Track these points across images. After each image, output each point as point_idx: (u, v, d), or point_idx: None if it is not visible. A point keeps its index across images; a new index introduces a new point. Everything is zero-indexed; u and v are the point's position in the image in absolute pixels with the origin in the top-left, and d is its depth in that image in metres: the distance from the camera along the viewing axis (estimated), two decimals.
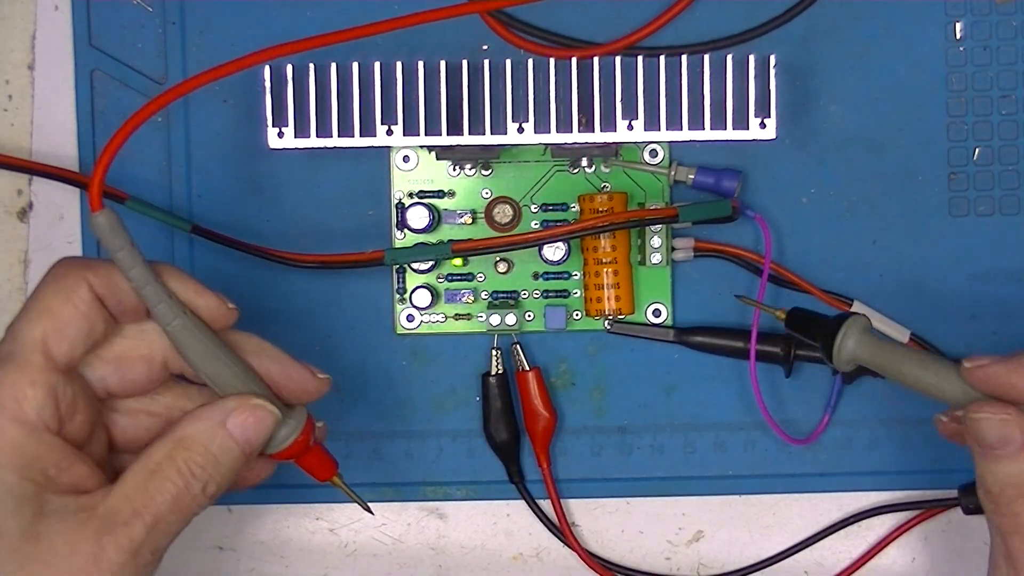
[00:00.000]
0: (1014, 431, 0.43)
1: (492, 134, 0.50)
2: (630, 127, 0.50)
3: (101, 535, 0.41)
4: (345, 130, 0.50)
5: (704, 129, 0.51)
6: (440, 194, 0.54)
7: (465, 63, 0.50)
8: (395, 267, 0.53)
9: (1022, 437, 0.43)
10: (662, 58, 0.50)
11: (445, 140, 0.51)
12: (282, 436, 0.44)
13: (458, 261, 0.53)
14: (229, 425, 0.43)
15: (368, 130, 0.50)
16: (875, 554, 0.55)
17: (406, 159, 0.54)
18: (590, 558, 0.54)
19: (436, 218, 0.53)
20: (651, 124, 0.50)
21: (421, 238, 0.53)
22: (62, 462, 0.42)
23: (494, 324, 0.53)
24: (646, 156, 0.53)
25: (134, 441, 0.45)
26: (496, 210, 0.54)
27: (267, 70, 0.50)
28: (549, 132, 0.50)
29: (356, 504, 0.48)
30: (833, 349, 0.46)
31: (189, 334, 0.43)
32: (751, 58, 0.50)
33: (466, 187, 0.54)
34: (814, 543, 0.55)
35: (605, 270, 0.52)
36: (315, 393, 0.46)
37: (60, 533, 0.41)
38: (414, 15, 0.47)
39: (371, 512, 0.49)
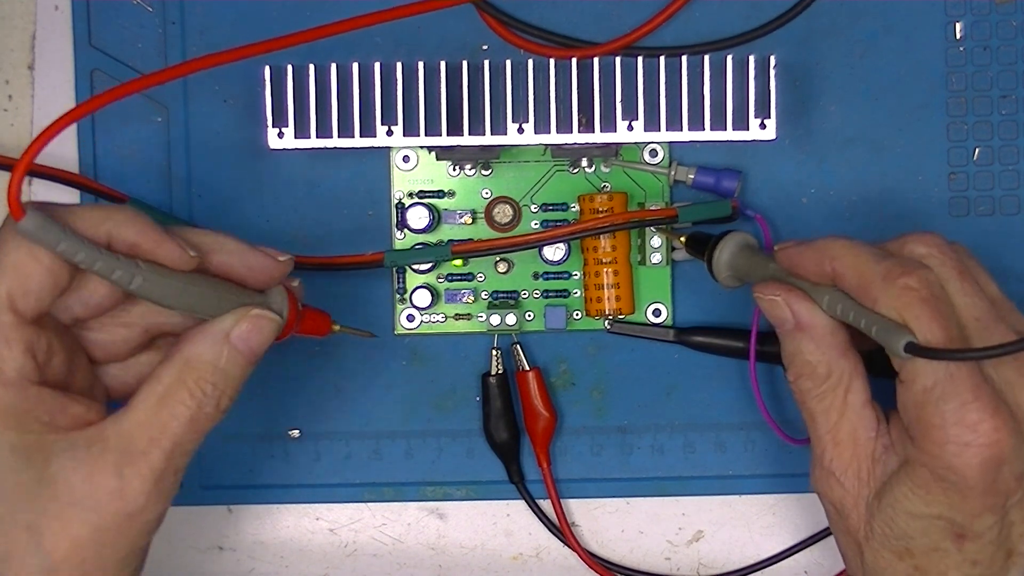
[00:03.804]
0: (784, 311, 0.45)
1: (492, 134, 0.51)
2: (630, 127, 0.50)
3: (121, 467, 0.41)
4: (345, 130, 0.50)
5: (704, 129, 0.51)
6: (440, 194, 0.54)
7: (465, 63, 0.50)
8: (394, 267, 0.54)
9: (793, 318, 0.45)
10: (662, 58, 0.50)
11: (445, 140, 0.51)
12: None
13: (458, 261, 0.53)
14: (233, 338, 0.43)
15: (368, 130, 0.50)
16: None
17: (406, 159, 0.54)
18: (590, 558, 0.54)
19: (436, 218, 0.53)
20: (651, 124, 0.51)
21: (421, 238, 0.53)
22: (54, 406, 0.41)
23: (494, 324, 0.53)
24: (646, 156, 0.53)
25: (116, 354, 0.45)
26: (496, 210, 0.54)
27: (267, 70, 0.50)
28: (549, 132, 0.50)
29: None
30: (712, 262, 0.49)
31: (152, 286, 0.41)
32: (751, 58, 0.50)
33: (466, 187, 0.54)
34: (814, 543, 0.55)
35: (605, 270, 0.52)
36: (279, 276, 0.45)
37: (75, 471, 0.41)
38: (409, 6, 0.47)
39: (375, 336, 0.49)
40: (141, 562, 0.44)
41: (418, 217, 0.53)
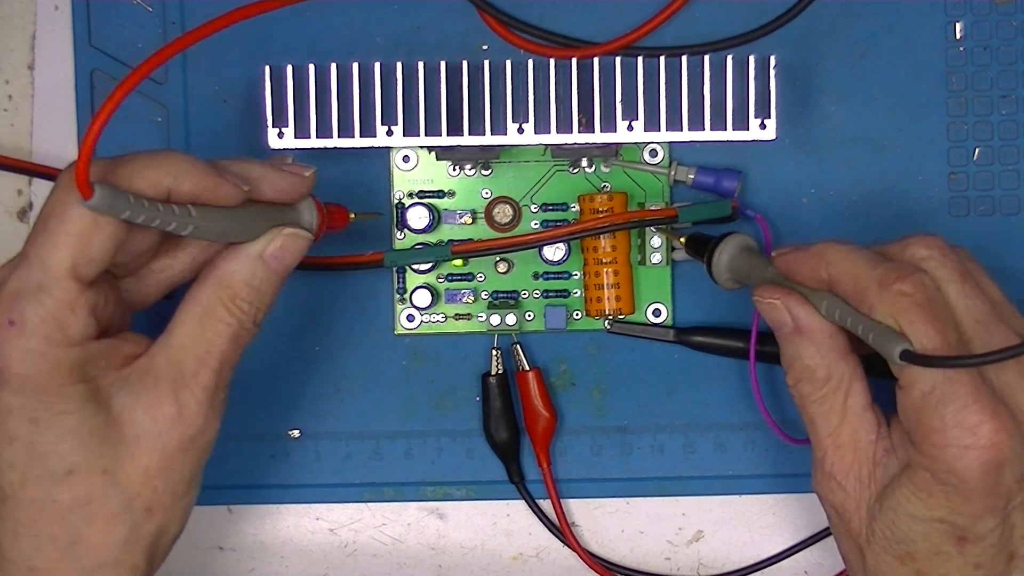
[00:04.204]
0: (783, 315, 0.46)
1: (492, 134, 0.51)
2: (630, 127, 0.50)
3: (177, 392, 0.43)
4: (345, 130, 0.50)
5: (704, 129, 0.51)
6: (440, 194, 0.54)
7: (465, 63, 0.50)
8: (394, 267, 0.54)
9: (792, 322, 0.45)
10: (662, 58, 0.50)
11: (445, 140, 0.51)
12: (306, 228, 0.46)
13: (458, 261, 0.53)
14: (267, 256, 0.44)
15: (368, 130, 0.50)
16: None
17: (406, 159, 0.54)
18: (590, 558, 0.54)
19: (436, 218, 0.53)
20: (651, 124, 0.50)
21: (421, 238, 0.53)
22: (110, 351, 0.43)
23: (494, 324, 0.53)
24: (646, 156, 0.53)
25: (132, 270, 0.46)
26: (496, 210, 0.54)
27: (267, 70, 0.50)
28: (549, 132, 0.50)
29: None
30: (712, 264, 0.49)
31: (204, 227, 0.43)
32: (751, 58, 0.50)
33: (466, 187, 0.54)
34: (814, 543, 0.55)
35: (605, 270, 0.52)
36: (307, 191, 0.46)
37: (136, 405, 0.43)
38: None
39: (381, 214, 0.52)
40: (200, 482, 0.45)
41: (418, 217, 0.53)
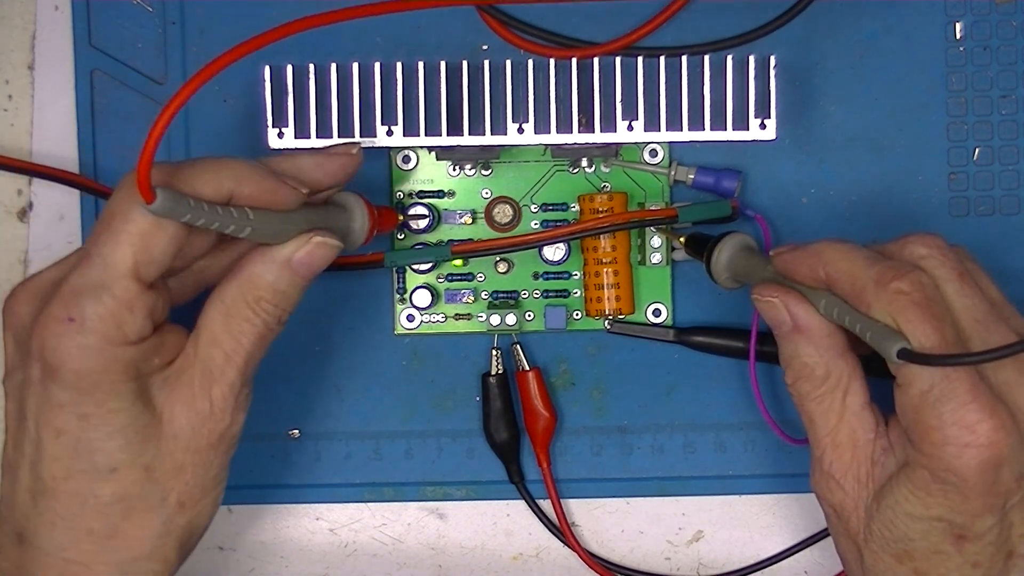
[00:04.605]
0: (781, 313, 0.46)
1: (492, 134, 0.51)
2: (630, 127, 0.50)
3: (208, 389, 0.44)
4: (345, 130, 0.50)
5: (704, 129, 0.51)
6: (440, 194, 0.54)
7: (465, 63, 0.50)
8: (394, 268, 0.54)
9: (791, 320, 0.45)
10: (662, 58, 0.50)
11: (445, 140, 0.51)
12: (357, 232, 0.48)
13: (458, 261, 0.53)
14: (294, 263, 0.45)
15: (368, 130, 0.50)
16: None
17: (406, 159, 0.54)
18: (590, 558, 0.54)
19: (436, 218, 0.53)
20: (651, 124, 0.51)
21: (421, 238, 0.53)
22: (158, 349, 0.44)
23: (494, 324, 0.53)
24: (646, 156, 0.53)
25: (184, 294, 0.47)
26: (496, 210, 0.54)
27: (267, 70, 0.50)
28: (549, 132, 0.50)
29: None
30: (711, 263, 0.49)
31: (261, 229, 0.44)
32: (751, 58, 0.50)
33: (466, 187, 0.54)
34: (814, 543, 0.55)
35: (605, 270, 0.52)
36: (354, 170, 0.47)
37: (174, 402, 0.44)
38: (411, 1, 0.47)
39: (429, 215, 0.52)
40: (226, 476, 0.46)
41: (418, 217, 0.53)
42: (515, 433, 0.54)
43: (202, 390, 0.44)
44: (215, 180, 0.43)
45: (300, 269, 0.45)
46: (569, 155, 0.52)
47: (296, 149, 0.50)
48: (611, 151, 0.52)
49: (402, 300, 0.54)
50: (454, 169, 0.54)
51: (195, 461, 0.44)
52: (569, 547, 0.54)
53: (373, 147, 0.51)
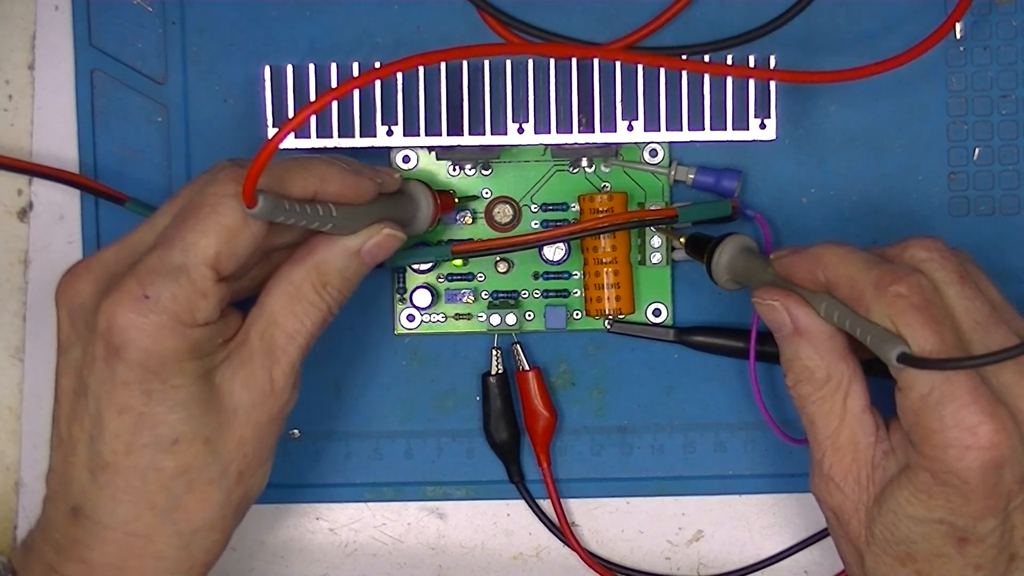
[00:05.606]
0: (782, 316, 0.46)
1: (492, 134, 0.51)
2: (630, 127, 0.50)
3: (269, 368, 0.45)
4: (345, 130, 0.50)
5: (704, 129, 0.51)
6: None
7: (465, 63, 0.50)
8: (394, 267, 0.54)
9: (791, 323, 0.46)
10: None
11: (445, 140, 0.51)
12: (423, 219, 0.50)
13: (458, 261, 0.53)
14: (363, 252, 0.46)
15: (368, 130, 0.50)
16: None
17: (406, 159, 0.54)
18: (590, 558, 0.54)
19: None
20: (651, 124, 0.50)
21: (421, 238, 0.53)
22: (222, 331, 0.45)
23: (494, 324, 0.53)
24: (646, 156, 0.53)
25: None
26: (496, 210, 0.54)
27: (267, 70, 0.50)
28: (549, 132, 0.50)
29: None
30: (711, 265, 0.49)
31: (342, 224, 0.45)
32: (751, 58, 0.50)
33: (466, 187, 0.54)
34: (814, 543, 0.55)
35: (605, 270, 0.52)
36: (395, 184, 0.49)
37: (234, 379, 0.45)
38: None
39: (477, 196, 0.53)
40: (276, 448, 0.47)
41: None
42: (515, 433, 0.54)
43: (263, 368, 0.45)
44: (303, 180, 0.44)
45: (367, 258, 0.47)
46: (569, 155, 0.52)
47: (296, 149, 0.50)
48: (611, 151, 0.52)
49: (402, 300, 0.54)
50: (454, 169, 0.54)
51: (255, 435, 0.45)
52: (569, 547, 0.55)
53: (373, 147, 0.51)
